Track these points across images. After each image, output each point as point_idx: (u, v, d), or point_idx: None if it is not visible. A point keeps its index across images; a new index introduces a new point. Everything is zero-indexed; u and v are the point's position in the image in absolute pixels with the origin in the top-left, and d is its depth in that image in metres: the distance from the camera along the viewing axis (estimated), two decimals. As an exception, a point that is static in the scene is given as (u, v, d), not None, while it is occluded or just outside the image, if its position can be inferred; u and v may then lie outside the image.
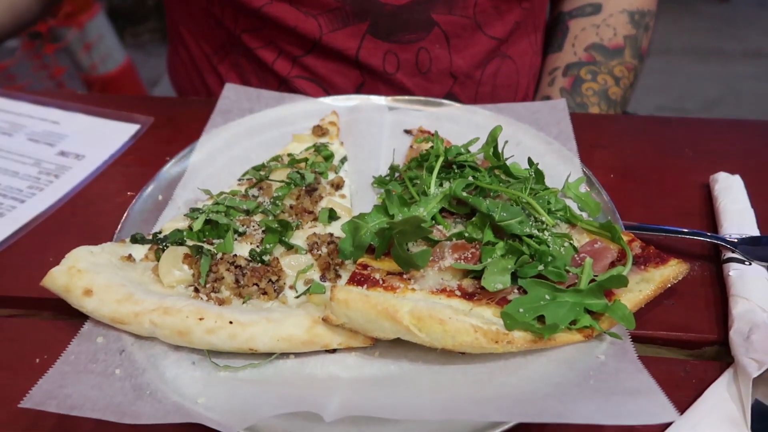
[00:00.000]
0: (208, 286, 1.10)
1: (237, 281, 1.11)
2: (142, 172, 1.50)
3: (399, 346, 1.04)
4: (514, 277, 1.09)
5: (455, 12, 1.83)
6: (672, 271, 1.11)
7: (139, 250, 1.19)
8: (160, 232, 1.24)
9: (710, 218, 1.36)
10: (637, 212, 1.39)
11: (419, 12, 1.79)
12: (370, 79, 1.92)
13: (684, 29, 7.90)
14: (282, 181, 1.36)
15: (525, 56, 2.13)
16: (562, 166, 1.44)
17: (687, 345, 1.11)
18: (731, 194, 1.33)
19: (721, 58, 7.35)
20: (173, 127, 1.71)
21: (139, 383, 0.98)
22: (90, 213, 1.41)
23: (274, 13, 1.75)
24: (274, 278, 1.12)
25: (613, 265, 1.14)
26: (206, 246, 1.18)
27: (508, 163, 1.38)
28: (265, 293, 1.11)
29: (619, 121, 1.79)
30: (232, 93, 1.70)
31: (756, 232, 1.24)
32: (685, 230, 1.25)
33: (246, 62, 1.96)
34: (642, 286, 1.09)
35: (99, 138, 1.64)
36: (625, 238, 1.18)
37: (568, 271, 1.10)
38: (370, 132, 1.59)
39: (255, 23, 1.83)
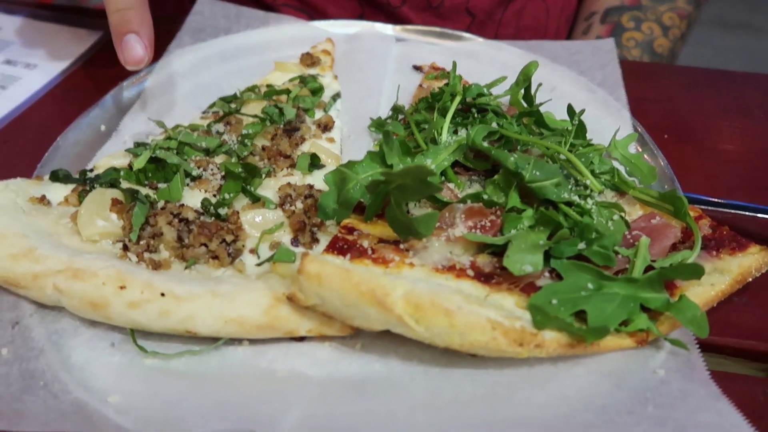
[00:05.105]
0: (141, 243, 0.84)
1: (180, 239, 0.84)
2: (91, 94, 1.23)
3: (388, 339, 0.80)
4: (546, 256, 0.83)
5: None
6: (754, 260, 0.87)
7: (59, 191, 0.93)
8: (91, 170, 0.98)
9: (789, 195, 1.09)
10: (695, 182, 1.13)
11: None
12: (370, 12, 1.66)
13: (711, -1, 7.49)
14: (255, 116, 1.09)
15: (558, -6, 1.83)
16: (608, 120, 1.19)
17: (764, 357, 0.87)
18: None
19: (749, 32, 6.97)
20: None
21: (31, 369, 0.73)
22: (22, 141, 1.16)
23: None
24: (229, 238, 0.86)
25: (675, 248, 0.88)
26: (145, 191, 0.91)
27: (541, 110, 1.11)
28: (215, 257, 0.85)
29: (673, 72, 1.51)
30: (206, 8, 1.41)
31: None
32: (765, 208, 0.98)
33: None
34: (714, 279, 0.85)
35: (52, 46, 1.40)
36: (692, 214, 0.91)
37: (617, 253, 0.84)
38: (372, 65, 1.32)
39: None
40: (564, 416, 0.70)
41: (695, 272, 0.78)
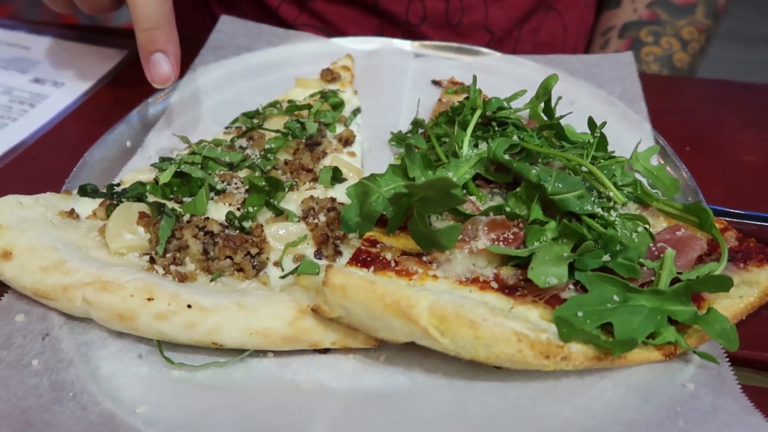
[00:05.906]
0: (168, 255, 0.85)
1: (205, 252, 0.85)
2: (117, 111, 1.25)
3: (412, 351, 0.79)
4: (571, 269, 0.82)
5: None
6: (782, 272, 0.84)
7: (88, 205, 0.94)
8: (118, 185, 0.99)
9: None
10: (718, 194, 1.11)
11: None
12: (389, 30, 1.67)
13: (729, 12, 7.42)
14: (277, 131, 1.10)
15: (575, 10, 1.83)
16: (628, 132, 1.18)
17: (794, 372, 0.83)
18: None
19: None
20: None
21: (60, 381, 0.74)
22: (51, 157, 1.17)
23: None
24: (254, 251, 0.86)
25: (701, 260, 0.87)
26: (171, 204, 0.92)
27: (561, 123, 1.10)
28: (240, 270, 0.85)
29: (692, 84, 1.50)
30: (227, 27, 1.43)
31: None
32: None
33: (246, 5, 1.69)
34: (743, 291, 0.83)
35: (79, 64, 1.42)
36: (717, 226, 0.90)
37: (642, 265, 0.83)
38: (391, 80, 1.33)
39: None
40: (591, 430, 0.69)
41: (723, 284, 0.76)
